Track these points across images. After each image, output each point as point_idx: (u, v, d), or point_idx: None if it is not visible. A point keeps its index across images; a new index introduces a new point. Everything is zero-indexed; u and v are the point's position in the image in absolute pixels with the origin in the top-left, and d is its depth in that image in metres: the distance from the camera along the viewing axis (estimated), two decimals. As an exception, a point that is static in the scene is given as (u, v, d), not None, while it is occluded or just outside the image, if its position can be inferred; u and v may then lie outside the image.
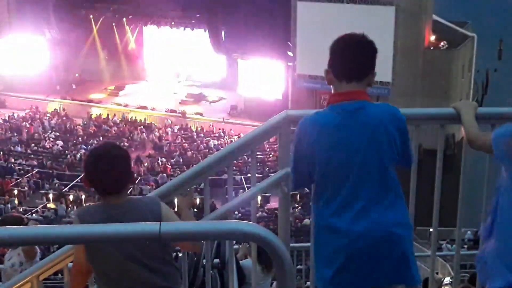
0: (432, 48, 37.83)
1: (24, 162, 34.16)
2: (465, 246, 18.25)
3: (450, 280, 11.77)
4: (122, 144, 37.85)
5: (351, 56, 3.21)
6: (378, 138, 3.15)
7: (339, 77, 3.20)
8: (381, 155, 3.16)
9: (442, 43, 38.19)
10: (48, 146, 37.36)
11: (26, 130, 39.90)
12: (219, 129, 40.89)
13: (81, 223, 3.25)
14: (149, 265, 3.29)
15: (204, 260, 4.00)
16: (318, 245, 3.32)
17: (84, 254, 3.33)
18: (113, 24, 47.30)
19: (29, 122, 41.71)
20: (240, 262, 5.59)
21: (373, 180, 3.16)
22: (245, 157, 26.21)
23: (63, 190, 30.52)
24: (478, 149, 3.30)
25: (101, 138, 39.15)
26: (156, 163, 35.03)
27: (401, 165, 3.28)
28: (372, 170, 3.16)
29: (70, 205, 28.72)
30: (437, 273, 12.43)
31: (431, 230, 3.87)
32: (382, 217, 3.15)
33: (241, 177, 28.01)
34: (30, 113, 43.57)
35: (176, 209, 3.65)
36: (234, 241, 4.12)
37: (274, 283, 7.26)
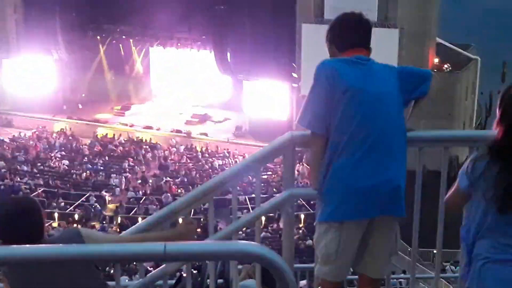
0: (435, 70, 37.85)
1: (30, 181, 34.21)
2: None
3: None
4: (127, 163, 37.95)
5: (357, 27, 3.69)
6: (391, 85, 3.52)
7: (345, 46, 3.63)
8: (396, 102, 3.52)
9: (445, 66, 38.31)
10: (54, 165, 37.44)
11: (34, 150, 40.00)
12: (224, 149, 40.92)
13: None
14: None
15: (208, 280, 4.01)
16: (330, 191, 3.49)
17: None
18: (120, 45, 47.61)
19: (35, 141, 41.83)
20: (243, 282, 5.58)
21: (392, 131, 3.48)
22: (250, 177, 26.18)
23: (68, 210, 30.51)
24: (453, 204, 3.38)
25: (106, 157, 39.23)
26: (161, 182, 35.03)
27: (419, 93, 3.63)
28: (392, 121, 3.48)
29: (75, 225, 28.67)
30: (442, 296, 12.35)
31: (435, 251, 3.88)
32: (395, 171, 3.46)
33: (245, 197, 27.97)
34: (37, 132, 43.73)
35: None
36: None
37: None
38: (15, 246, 2.32)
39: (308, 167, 29.48)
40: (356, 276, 3.90)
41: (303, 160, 34.77)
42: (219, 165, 37.31)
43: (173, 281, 4.53)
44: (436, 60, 38.48)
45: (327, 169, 3.47)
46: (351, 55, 3.56)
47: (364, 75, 3.48)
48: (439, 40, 39.48)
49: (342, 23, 3.73)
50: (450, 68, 38.25)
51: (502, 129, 3.05)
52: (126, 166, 37.68)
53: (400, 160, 3.50)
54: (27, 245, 2.35)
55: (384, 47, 33.09)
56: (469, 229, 3.17)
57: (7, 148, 40.06)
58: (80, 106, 46.74)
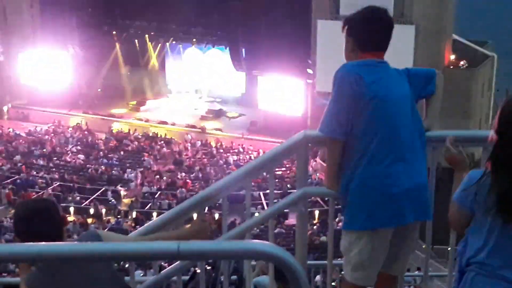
0: (452, 67, 37.62)
1: (45, 175, 34.48)
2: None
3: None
4: (143, 158, 38.12)
5: (383, 29, 3.53)
6: (406, 87, 3.51)
7: (367, 47, 3.51)
8: (412, 104, 3.54)
9: (462, 63, 38.02)
10: (69, 160, 37.69)
11: (49, 144, 40.27)
12: (239, 144, 40.99)
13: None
14: None
15: (222, 277, 4.05)
16: (361, 199, 3.45)
17: None
18: (135, 40, 47.82)
19: (51, 135, 42.15)
20: (257, 278, 5.62)
21: (414, 134, 3.49)
22: (264, 173, 26.10)
23: (83, 204, 30.71)
24: (459, 224, 3.08)
25: (122, 152, 39.42)
26: (176, 178, 35.15)
27: (427, 92, 3.67)
28: (413, 123, 3.50)
29: (90, 219, 28.86)
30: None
31: (449, 248, 3.89)
32: (423, 174, 3.50)
33: (259, 193, 27.99)
34: (53, 126, 44.04)
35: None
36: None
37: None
38: (33, 243, 2.36)
39: (323, 164, 29.46)
40: None
41: (318, 156, 34.75)
42: (233, 160, 37.37)
43: (187, 277, 4.57)
44: (453, 57, 38.22)
45: (352, 176, 3.44)
46: (372, 58, 3.48)
47: (385, 80, 3.43)
48: (455, 36, 39.22)
49: (368, 22, 3.53)
50: (466, 65, 37.97)
51: (497, 139, 2.90)
52: (151, 162, 37.44)
53: (423, 162, 3.52)
54: (45, 243, 2.40)
55: (400, 44, 32.90)
56: (464, 252, 3.01)
57: (23, 142, 40.39)
58: (95, 101, 47.04)
